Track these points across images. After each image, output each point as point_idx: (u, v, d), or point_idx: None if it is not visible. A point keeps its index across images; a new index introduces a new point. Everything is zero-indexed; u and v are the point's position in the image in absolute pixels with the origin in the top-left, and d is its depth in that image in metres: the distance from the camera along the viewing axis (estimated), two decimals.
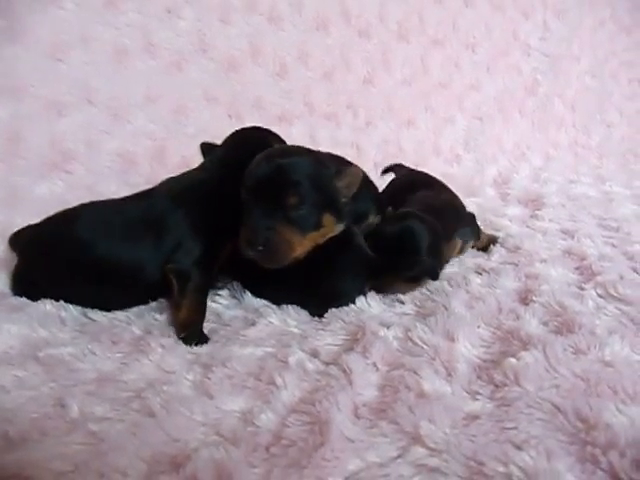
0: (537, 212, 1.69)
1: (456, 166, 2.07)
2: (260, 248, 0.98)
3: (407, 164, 1.95)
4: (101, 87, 1.55)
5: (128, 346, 0.93)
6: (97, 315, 1.03)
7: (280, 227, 0.99)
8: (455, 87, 2.15)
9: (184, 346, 0.94)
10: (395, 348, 0.91)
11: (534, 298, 1.08)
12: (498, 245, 1.43)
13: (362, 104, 1.95)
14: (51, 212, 1.39)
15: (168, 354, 0.90)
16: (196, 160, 1.60)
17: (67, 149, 1.48)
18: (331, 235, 1.07)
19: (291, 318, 1.03)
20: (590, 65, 2.58)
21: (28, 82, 1.46)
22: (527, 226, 1.60)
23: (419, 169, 1.87)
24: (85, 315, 1.03)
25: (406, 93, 2.04)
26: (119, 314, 1.04)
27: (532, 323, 0.97)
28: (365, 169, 1.87)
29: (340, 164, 1.26)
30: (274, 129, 1.74)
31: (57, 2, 1.51)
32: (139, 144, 1.59)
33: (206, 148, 1.23)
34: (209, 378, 0.83)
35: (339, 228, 1.08)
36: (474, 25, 2.19)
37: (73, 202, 1.42)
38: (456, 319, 0.98)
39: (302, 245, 1.02)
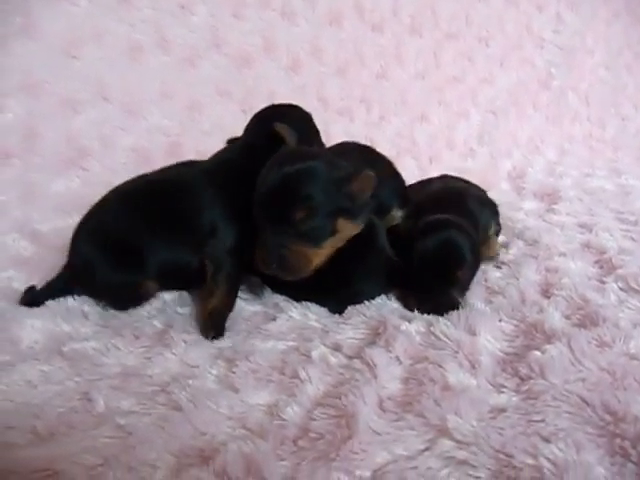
0: (553, 206, 1.67)
1: (470, 160, 2.05)
2: (274, 266, 0.96)
3: (421, 158, 1.96)
4: (115, 83, 1.55)
5: (150, 340, 0.93)
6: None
7: (292, 244, 0.95)
8: (469, 81, 2.14)
9: (207, 341, 0.94)
10: (417, 342, 0.91)
11: (556, 291, 1.07)
12: (516, 238, 1.42)
13: (375, 99, 1.94)
14: (68, 208, 1.41)
15: (191, 348, 0.90)
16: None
17: (82, 145, 1.48)
18: (351, 235, 1.02)
19: (311, 312, 1.03)
20: (604, 58, 2.56)
21: (43, 79, 1.46)
22: (544, 220, 1.58)
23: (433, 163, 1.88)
24: (107, 309, 1.03)
25: (419, 87, 2.03)
26: (140, 308, 1.05)
27: (555, 316, 0.96)
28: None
29: (366, 156, 1.24)
30: None
31: None
32: (154, 140, 1.59)
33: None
34: (233, 372, 0.83)
35: (357, 228, 1.03)
36: (487, 19, 2.17)
37: (89, 198, 1.44)
38: (478, 313, 0.98)
39: (319, 255, 0.98)
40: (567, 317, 0.97)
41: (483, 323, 0.94)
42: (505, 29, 2.22)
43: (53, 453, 0.66)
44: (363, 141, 1.87)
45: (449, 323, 0.94)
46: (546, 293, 1.08)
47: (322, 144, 1.28)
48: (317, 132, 1.24)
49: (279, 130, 1.09)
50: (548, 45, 2.36)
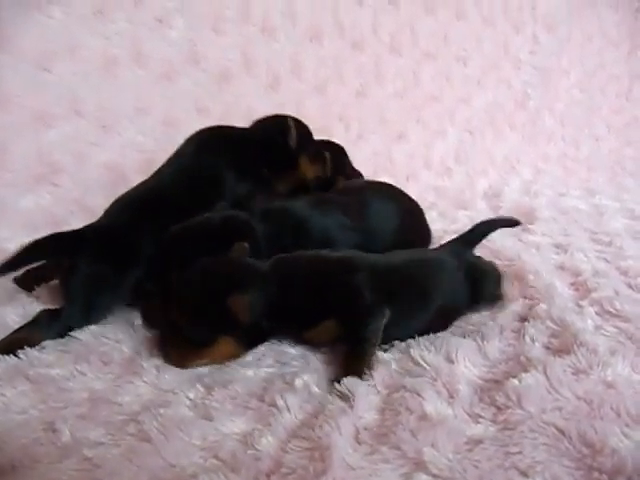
0: (529, 226, 1.68)
1: (447, 179, 2.07)
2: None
3: (398, 177, 1.96)
4: (89, 98, 1.53)
5: (119, 366, 0.90)
6: (82, 334, 0.99)
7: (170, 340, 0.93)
8: (446, 100, 2.16)
9: None
10: (395, 369, 0.90)
11: (533, 316, 1.07)
12: (492, 257, 1.42)
13: (354, 117, 1.94)
14: (38, 225, 1.37)
15: (164, 373, 0.87)
16: None
17: (54, 161, 1.45)
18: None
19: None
20: (579, 79, 2.61)
21: (14, 92, 1.43)
22: (520, 240, 1.59)
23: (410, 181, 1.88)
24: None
25: (398, 106, 2.04)
26: (106, 330, 1.01)
27: (532, 342, 0.96)
28: None
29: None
30: None
31: (45, 10, 1.48)
32: (128, 156, 1.56)
33: None
34: (211, 395, 0.81)
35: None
36: (465, 38, 2.20)
37: (60, 215, 1.41)
38: (456, 339, 0.97)
39: (197, 359, 0.93)
40: (544, 344, 0.96)
41: (462, 349, 0.93)
42: (483, 49, 2.25)
43: None
44: None
45: (427, 348, 0.93)
46: (524, 318, 1.08)
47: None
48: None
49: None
50: (525, 65, 2.40)
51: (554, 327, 1.01)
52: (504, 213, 1.86)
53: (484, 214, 1.85)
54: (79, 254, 0.99)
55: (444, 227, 1.67)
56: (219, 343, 0.91)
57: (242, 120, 1.75)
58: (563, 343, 0.95)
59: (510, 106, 2.37)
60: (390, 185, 1.42)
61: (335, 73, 1.90)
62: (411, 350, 0.93)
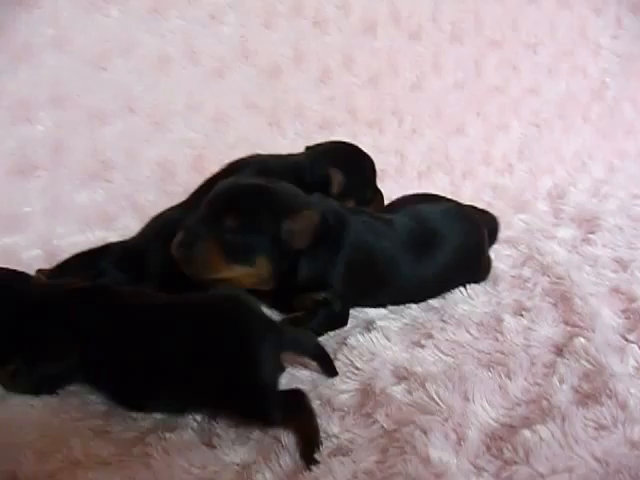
0: (590, 235, 1.57)
1: (508, 177, 1.94)
2: (182, 249, 0.97)
3: (454, 173, 1.88)
4: (143, 95, 1.56)
5: None
6: None
7: (207, 241, 0.97)
8: (512, 91, 2.01)
9: None
10: (407, 402, 0.88)
11: (570, 350, 1.00)
12: (540, 275, 1.34)
13: (408, 110, 1.86)
14: (91, 222, 1.45)
15: None
16: None
17: (107, 158, 1.50)
18: (264, 281, 1.03)
19: None
20: None
21: (72, 91, 1.48)
22: (577, 252, 1.49)
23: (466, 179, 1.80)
24: None
25: (457, 98, 1.93)
26: None
27: (559, 384, 0.90)
28: (408, 179, 1.83)
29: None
30: (315, 137, 1.72)
31: (103, 10, 1.52)
32: (178, 153, 1.59)
33: None
34: (215, 424, 0.83)
35: (269, 280, 1.04)
36: (536, 23, 2.03)
37: (111, 211, 1.48)
38: (479, 373, 0.93)
39: (221, 271, 0.98)
40: (572, 386, 0.90)
41: (482, 387, 0.89)
42: (556, 35, 2.07)
43: None
44: (392, 155, 1.83)
45: (446, 384, 0.90)
46: (559, 352, 1.02)
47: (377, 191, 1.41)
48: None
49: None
50: (604, 52, 2.19)
51: (588, 367, 0.95)
52: (566, 218, 1.74)
53: (543, 218, 1.75)
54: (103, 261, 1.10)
55: None
56: (256, 262, 0.99)
57: (291, 115, 1.75)
58: (593, 389, 0.88)
59: (585, 97, 2.17)
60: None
61: (389, 65, 1.82)
62: (427, 384, 0.90)
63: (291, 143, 1.70)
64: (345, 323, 1.12)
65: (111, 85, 1.53)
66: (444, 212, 1.26)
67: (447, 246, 1.20)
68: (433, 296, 1.23)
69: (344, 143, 1.45)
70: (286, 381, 0.93)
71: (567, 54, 2.12)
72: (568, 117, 2.10)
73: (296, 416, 0.80)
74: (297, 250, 1.02)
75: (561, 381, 0.92)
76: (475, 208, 1.43)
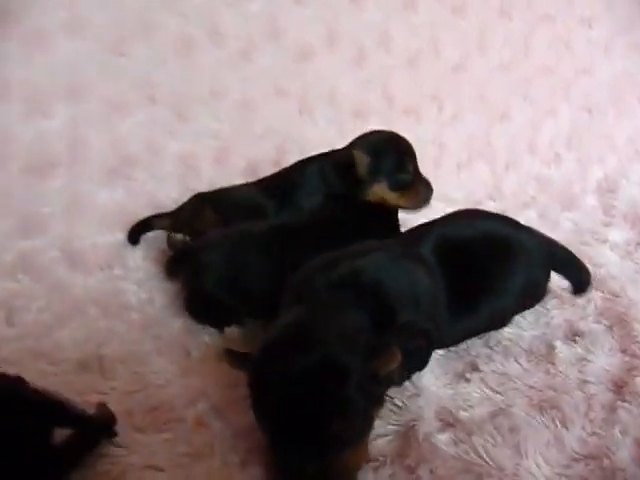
0: None
1: (554, 167, 1.79)
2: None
3: (496, 164, 1.76)
4: (164, 82, 1.47)
5: None
6: None
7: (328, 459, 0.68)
8: (563, 72, 1.84)
9: None
10: (451, 455, 0.80)
11: (631, 389, 0.91)
12: (594, 290, 1.23)
13: (449, 94, 1.72)
14: (112, 222, 1.37)
15: None
16: (262, 164, 1.51)
17: (128, 153, 1.43)
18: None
19: None
20: None
21: (89, 80, 1.40)
22: (631, 259, 1.36)
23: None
24: None
25: (503, 80, 1.77)
26: None
27: (622, 437, 0.81)
28: (447, 170, 1.70)
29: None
30: (348, 125, 1.61)
31: None
32: (202, 144, 1.50)
33: None
34: None
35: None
36: None
37: (133, 210, 1.40)
38: (530, 422, 0.85)
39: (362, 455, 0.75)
40: (636, 440, 0.81)
41: (535, 439, 0.81)
42: (614, 8, 1.87)
43: None
44: (430, 144, 1.71)
45: (495, 437, 0.82)
46: (619, 390, 0.92)
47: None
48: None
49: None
50: None
51: None
52: (617, 215, 1.61)
53: (593, 216, 1.61)
54: None
55: None
56: None
57: (324, 101, 1.62)
58: None
59: None
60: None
61: (429, 44, 1.67)
62: (474, 437, 0.82)
63: (322, 132, 1.59)
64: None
65: (130, 73, 1.44)
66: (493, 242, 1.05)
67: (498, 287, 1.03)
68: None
69: (374, 130, 1.34)
70: None
71: (625, 30, 1.91)
72: (623, 100, 1.92)
73: None
74: None
75: (624, 433, 0.83)
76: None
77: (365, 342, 0.75)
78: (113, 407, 0.84)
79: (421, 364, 0.95)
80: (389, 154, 1.26)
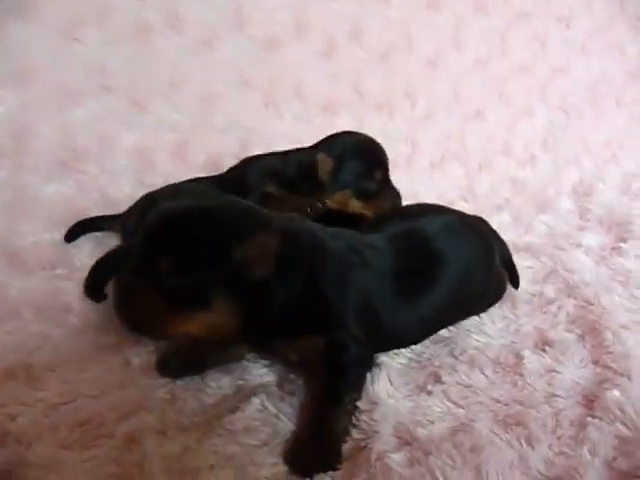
0: (621, 244, 1.39)
1: (529, 169, 1.75)
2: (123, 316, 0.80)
3: (469, 165, 1.71)
4: (120, 70, 1.38)
5: None
6: None
7: (142, 295, 0.78)
8: (539, 71, 1.79)
9: None
10: (407, 477, 0.73)
11: (602, 405, 0.85)
12: (566, 296, 1.18)
13: (423, 91, 1.66)
14: (59, 219, 1.28)
15: None
16: (224, 159, 1.43)
17: (79, 144, 1.34)
18: (230, 323, 0.80)
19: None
20: None
21: (39, 65, 1.31)
22: (606, 265, 1.31)
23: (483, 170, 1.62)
24: None
25: (477, 78, 1.72)
26: None
27: (591, 457, 0.75)
28: (419, 169, 1.64)
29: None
30: (316, 120, 1.54)
31: None
32: (160, 138, 1.42)
33: None
34: None
35: (235, 319, 0.81)
36: None
37: (83, 206, 1.31)
38: (493, 440, 0.78)
39: (171, 326, 0.79)
40: (607, 460, 0.75)
41: (497, 462, 0.74)
42: (592, 7, 1.83)
43: None
44: (402, 142, 1.65)
45: (454, 458, 0.75)
46: (589, 404, 0.87)
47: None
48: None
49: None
50: None
51: (625, 432, 0.79)
52: (593, 219, 1.56)
53: (567, 220, 1.57)
54: None
55: (515, 238, 1.42)
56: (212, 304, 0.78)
57: (290, 94, 1.55)
58: (630, 467, 0.74)
59: (620, 78, 1.94)
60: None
61: (403, 38, 1.62)
62: (431, 457, 0.75)
63: (289, 127, 1.52)
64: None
65: (83, 59, 1.36)
66: (444, 226, 1.04)
67: (449, 271, 1.00)
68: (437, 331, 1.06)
69: (347, 132, 1.28)
70: (265, 435, 0.80)
71: (603, 29, 1.88)
72: (599, 101, 1.89)
73: None
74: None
75: (593, 453, 0.77)
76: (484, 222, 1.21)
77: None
78: (38, 420, 0.77)
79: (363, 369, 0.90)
80: (355, 160, 1.20)
